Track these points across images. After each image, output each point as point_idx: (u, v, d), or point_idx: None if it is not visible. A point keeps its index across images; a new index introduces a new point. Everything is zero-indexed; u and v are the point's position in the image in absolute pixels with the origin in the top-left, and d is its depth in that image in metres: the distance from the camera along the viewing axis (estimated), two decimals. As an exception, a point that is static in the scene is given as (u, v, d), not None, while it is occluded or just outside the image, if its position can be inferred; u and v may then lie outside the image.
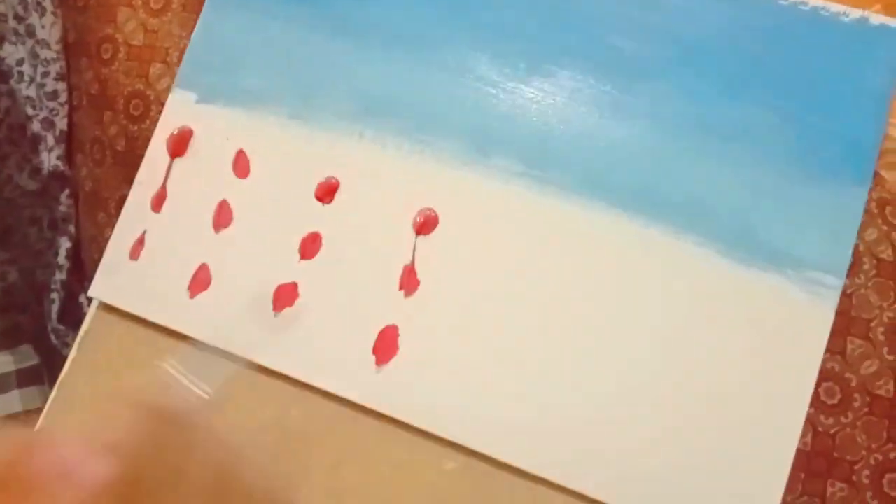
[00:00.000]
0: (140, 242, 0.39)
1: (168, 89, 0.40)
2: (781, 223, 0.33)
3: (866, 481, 0.33)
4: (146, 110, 0.41)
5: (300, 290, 0.36)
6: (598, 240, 0.34)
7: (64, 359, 0.37)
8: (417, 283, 0.35)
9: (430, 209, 0.36)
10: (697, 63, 0.35)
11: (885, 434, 0.34)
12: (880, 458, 0.33)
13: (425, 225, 0.36)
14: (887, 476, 0.33)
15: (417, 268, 0.36)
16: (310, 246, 0.37)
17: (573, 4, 0.37)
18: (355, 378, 0.35)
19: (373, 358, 0.35)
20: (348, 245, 0.36)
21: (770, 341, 0.33)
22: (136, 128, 0.42)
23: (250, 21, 0.39)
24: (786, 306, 0.33)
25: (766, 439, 0.32)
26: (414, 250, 0.36)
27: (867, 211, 0.35)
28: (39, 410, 0.38)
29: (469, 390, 0.34)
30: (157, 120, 0.40)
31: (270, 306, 0.36)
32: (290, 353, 0.36)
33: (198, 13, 0.40)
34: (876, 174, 0.37)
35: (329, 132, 0.37)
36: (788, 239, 0.33)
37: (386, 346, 0.35)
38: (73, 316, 0.46)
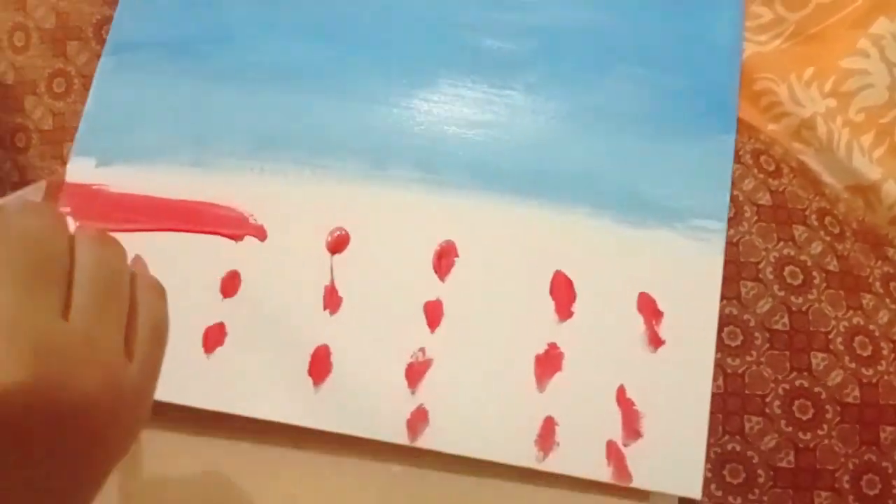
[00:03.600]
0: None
1: (83, 166, 0.41)
2: (662, 181, 0.36)
3: (778, 411, 0.35)
4: (64, 187, 0.42)
5: (228, 328, 0.37)
6: (496, 226, 0.36)
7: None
8: (340, 300, 0.37)
9: (339, 228, 0.37)
10: (559, 50, 0.38)
11: (787, 364, 0.36)
12: (787, 386, 0.36)
13: (338, 243, 0.37)
14: (796, 402, 0.36)
15: (338, 286, 0.37)
16: (230, 284, 0.38)
17: (439, 17, 0.39)
18: (296, 402, 0.36)
19: (310, 380, 0.36)
20: (268, 276, 0.38)
21: (672, 292, 0.35)
22: (56, 203, 0.42)
23: (139, 81, 0.40)
24: (679, 256, 0.35)
25: (683, 386, 0.34)
26: (331, 270, 0.37)
27: (743, 163, 0.38)
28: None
29: (403, 394, 0.35)
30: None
31: (202, 349, 0.37)
32: (230, 392, 0.36)
33: (96, 88, 0.42)
34: (751, 127, 0.40)
35: (230, 172, 0.39)
36: (670, 195, 0.36)
37: (320, 366, 0.36)
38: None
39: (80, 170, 0.40)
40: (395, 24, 0.39)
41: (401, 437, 0.35)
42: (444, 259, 0.36)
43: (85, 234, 0.23)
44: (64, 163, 0.42)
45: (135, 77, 0.41)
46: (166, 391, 0.36)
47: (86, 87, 0.42)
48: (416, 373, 0.35)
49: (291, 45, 0.40)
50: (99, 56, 0.42)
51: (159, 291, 0.26)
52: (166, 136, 0.39)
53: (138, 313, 0.24)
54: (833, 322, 0.36)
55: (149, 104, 0.40)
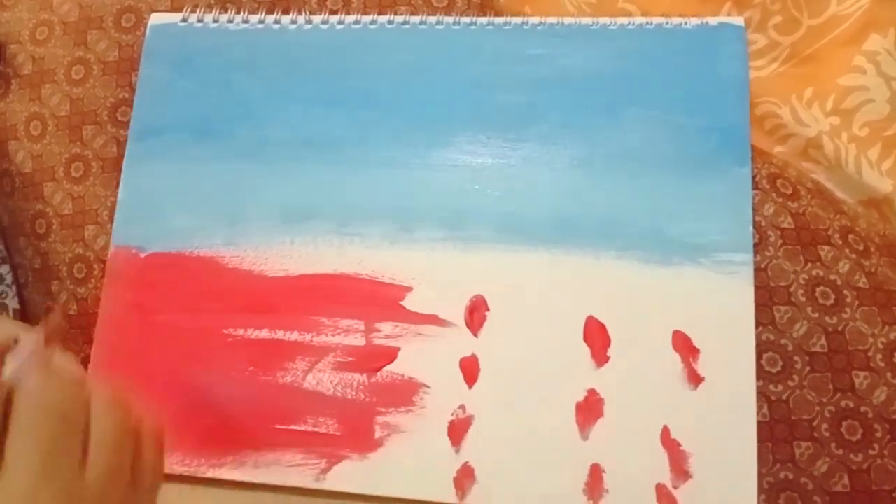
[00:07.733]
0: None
1: (105, 247, 0.42)
2: (684, 219, 0.37)
3: (827, 434, 0.35)
4: (89, 271, 0.43)
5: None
6: (525, 277, 0.37)
7: None
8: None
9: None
10: (569, 99, 0.39)
11: (830, 386, 0.36)
12: (833, 408, 0.35)
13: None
14: (844, 424, 0.35)
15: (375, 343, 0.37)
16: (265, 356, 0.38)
17: (450, 77, 0.40)
18: (345, 470, 0.36)
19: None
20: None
21: (706, 328, 0.35)
22: (83, 289, 0.43)
23: (166, 166, 0.42)
24: (709, 291, 0.35)
25: (728, 421, 0.34)
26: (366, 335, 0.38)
27: (760, 188, 0.39)
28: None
29: (448, 453, 0.35)
30: (101, 279, 0.42)
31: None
32: (281, 466, 0.37)
33: (116, 171, 0.43)
34: (763, 152, 0.40)
35: (261, 248, 0.39)
36: (693, 231, 0.36)
37: (366, 433, 0.36)
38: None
39: (121, 258, 0.41)
40: (407, 88, 0.40)
41: (449, 497, 0.35)
42: (476, 314, 0.37)
43: (100, 398, 0.27)
44: (87, 245, 0.43)
45: (162, 162, 0.42)
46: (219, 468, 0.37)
47: (104, 170, 0.43)
48: (458, 430, 0.36)
49: (308, 117, 0.41)
50: (115, 139, 0.43)
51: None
52: (197, 219, 0.40)
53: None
54: (870, 339, 0.36)
55: (177, 190, 0.41)
